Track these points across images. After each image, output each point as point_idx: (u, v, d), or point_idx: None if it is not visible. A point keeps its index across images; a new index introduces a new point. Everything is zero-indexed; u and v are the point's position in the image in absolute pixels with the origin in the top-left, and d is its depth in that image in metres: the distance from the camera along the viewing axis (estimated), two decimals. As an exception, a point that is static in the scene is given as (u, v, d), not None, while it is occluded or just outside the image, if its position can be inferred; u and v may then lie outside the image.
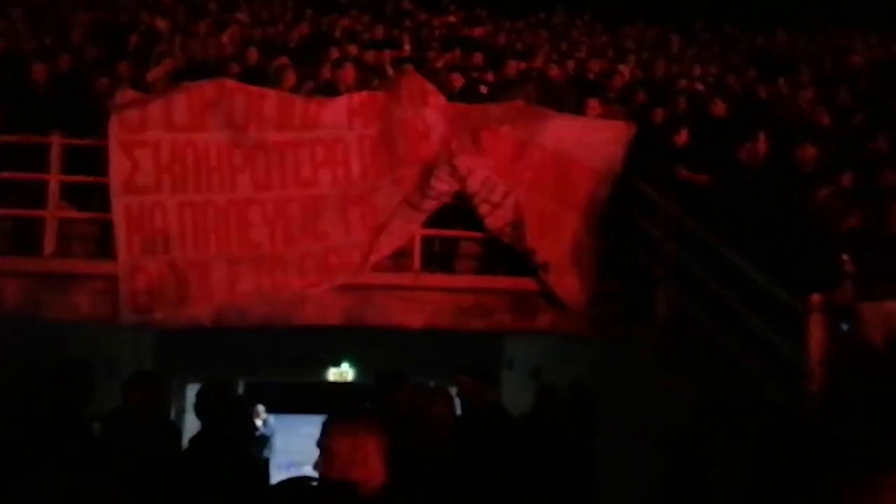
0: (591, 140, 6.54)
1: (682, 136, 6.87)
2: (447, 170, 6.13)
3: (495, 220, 6.26)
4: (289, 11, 12.87)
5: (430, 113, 6.39)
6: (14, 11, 10.12)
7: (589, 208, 6.50)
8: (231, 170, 6.02)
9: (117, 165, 5.86)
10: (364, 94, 6.55)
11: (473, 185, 6.17)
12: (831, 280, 4.93)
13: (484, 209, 6.23)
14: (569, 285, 6.30)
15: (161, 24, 9.56)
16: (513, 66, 9.06)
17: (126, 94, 6.19)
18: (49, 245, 6.07)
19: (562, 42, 13.17)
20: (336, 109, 6.29)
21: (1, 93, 6.73)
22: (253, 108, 6.06)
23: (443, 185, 6.17)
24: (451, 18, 14.15)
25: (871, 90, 9.26)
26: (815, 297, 4.64)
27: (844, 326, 4.99)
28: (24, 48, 8.14)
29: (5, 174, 6.10)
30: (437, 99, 6.53)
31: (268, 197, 6.07)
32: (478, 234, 6.47)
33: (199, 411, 3.91)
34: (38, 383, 3.94)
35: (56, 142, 6.17)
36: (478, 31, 13.13)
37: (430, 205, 6.24)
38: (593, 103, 7.31)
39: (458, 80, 7.96)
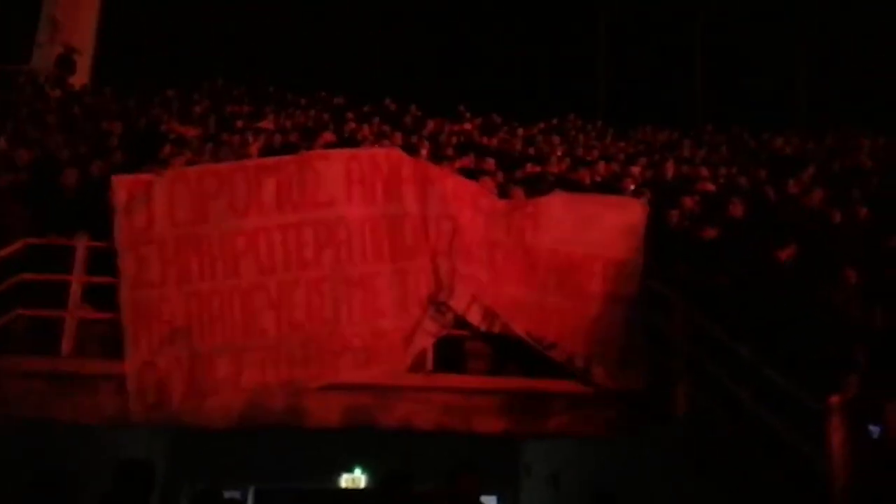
0: (604, 227, 6.56)
1: (710, 233, 6.92)
2: (448, 302, 6.20)
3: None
4: (311, 120, 13.47)
5: (446, 211, 6.42)
6: (50, 119, 10.73)
7: (614, 294, 6.44)
8: (234, 256, 6.07)
9: (125, 264, 6.01)
10: (363, 160, 6.46)
11: (475, 317, 6.25)
12: (843, 374, 4.83)
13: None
14: (601, 374, 6.20)
15: (191, 133, 10.05)
16: (528, 169, 9.33)
17: (122, 180, 6.24)
18: (67, 345, 6.12)
19: (576, 147, 13.55)
20: (334, 179, 6.28)
21: (32, 197, 7.04)
22: (252, 190, 6.16)
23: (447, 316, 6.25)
24: (467, 126, 14.70)
25: (881, 189, 9.36)
26: (835, 398, 4.52)
27: (874, 430, 4.83)
28: (58, 157, 8.55)
29: (31, 275, 6.22)
30: (464, 199, 6.53)
31: (272, 281, 6.07)
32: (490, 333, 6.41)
33: None
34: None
35: (82, 244, 6.34)
36: (492, 140, 13.60)
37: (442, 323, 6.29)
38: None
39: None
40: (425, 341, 6.23)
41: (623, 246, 6.56)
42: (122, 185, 6.22)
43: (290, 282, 6.08)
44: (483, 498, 4.82)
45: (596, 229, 6.57)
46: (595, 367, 6.23)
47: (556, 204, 6.80)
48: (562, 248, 6.53)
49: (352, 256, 6.22)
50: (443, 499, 4.72)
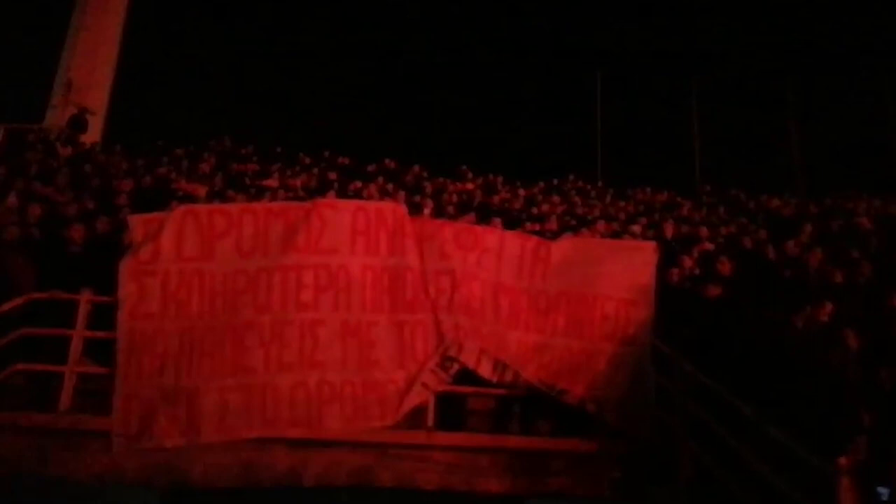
0: (615, 270, 6.63)
1: (714, 291, 6.94)
2: (459, 357, 6.23)
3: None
4: (315, 179, 13.68)
5: (445, 265, 6.47)
6: (60, 178, 10.90)
7: (625, 337, 6.49)
8: (234, 294, 6.08)
9: (126, 293, 6.03)
10: (370, 211, 6.55)
11: (486, 370, 6.26)
12: (847, 436, 4.78)
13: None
14: (613, 416, 6.22)
15: (199, 191, 10.20)
16: (527, 229, 9.42)
17: (138, 218, 6.37)
18: (65, 401, 6.09)
19: (576, 206, 13.72)
20: (339, 227, 6.35)
21: (39, 252, 7.11)
22: (259, 232, 6.23)
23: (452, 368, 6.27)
24: (469, 186, 14.91)
25: (880, 250, 9.43)
26: (844, 460, 4.48)
27: (883, 492, 4.77)
28: (66, 213, 8.65)
29: (31, 329, 6.24)
30: (467, 254, 6.57)
31: (266, 319, 6.04)
32: (492, 391, 6.40)
33: None
34: None
35: (85, 299, 6.38)
36: (494, 199, 13.78)
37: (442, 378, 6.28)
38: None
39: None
40: (422, 397, 6.17)
41: (635, 287, 6.63)
42: (138, 223, 6.34)
43: (285, 322, 6.05)
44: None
45: (608, 272, 6.65)
46: (607, 410, 6.20)
47: (569, 247, 6.89)
48: (573, 290, 6.57)
49: (350, 304, 6.21)
50: None
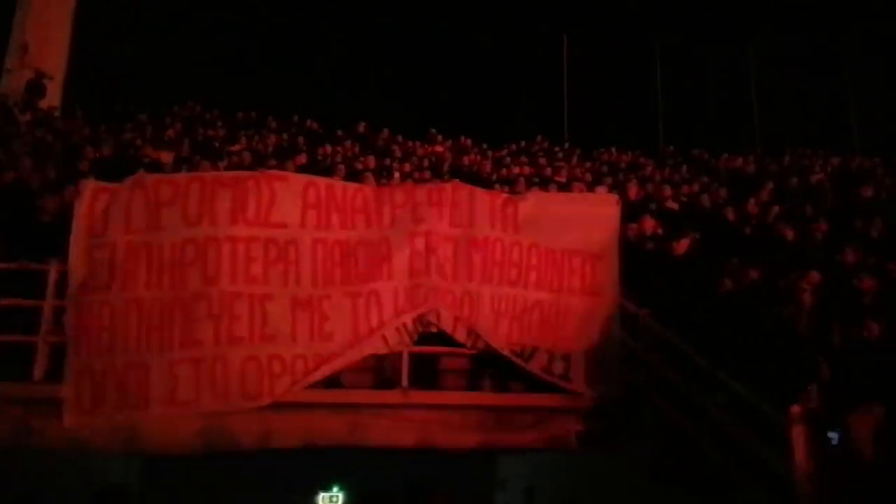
0: (579, 223, 6.79)
1: (682, 246, 7.13)
2: (439, 324, 6.33)
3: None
4: (284, 143, 13.56)
5: (419, 228, 6.49)
6: (15, 145, 10.63)
7: (592, 288, 6.70)
8: (182, 266, 6.01)
9: (76, 266, 5.96)
10: (321, 187, 6.49)
11: (461, 336, 6.38)
12: (801, 387, 5.05)
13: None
14: (579, 379, 6.39)
15: (165, 157, 10.05)
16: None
17: (90, 186, 6.23)
18: (40, 371, 6.08)
19: (544, 169, 13.85)
20: (290, 201, 6.29)
21: (4, 222, 7.01)
22: (206, 201, 6.13)
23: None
24: (439, 149, 14.92)
25: (835, 207, 9.77)
26: (796, 408, 4.75)
27: (833, 436, 5.05)
28: (28, 182, 8.50)
29: (3, 301, 6.18)
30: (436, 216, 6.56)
31: (214, 291, 5.98)
32: (465, 350, 6.53)
33: None
34: None
35: (53, 269, 6.33)
36: (464, 162, 13.83)
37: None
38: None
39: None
40: (376, 347, 6.21)
41: (599, 241, 6.80)
42: (90, 191, 6.19)
43: (234, 294, 5.99)
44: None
45: (573, 225, 6.79)
46: (574, 372, 6.40)
47: (535, 202, 6.98)
48: (542, 243, 6.70)
49: (300, 278, 6.17)
50: None
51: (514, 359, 6.37)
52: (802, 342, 5.55)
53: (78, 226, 6.05)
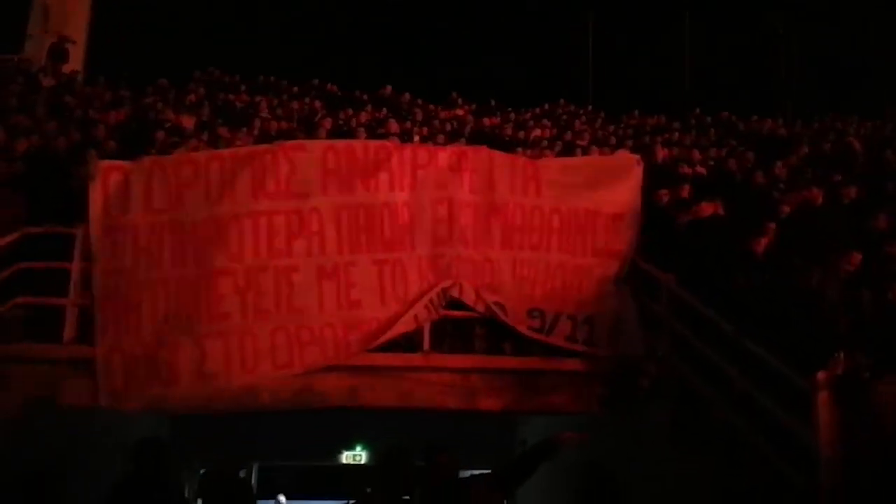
0: (601, 185, 6.74)
1: (706, 210, 7.03)
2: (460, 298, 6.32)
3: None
4: (305, 108, 13.50)
5: (441, 193, 6.46)
6: (40, 110, 10.72)
7: (613, 250, 6.67)
8: (206, 242, 6.04)
9: (98, 248, 6.02)
10: (340, 151, 6.42)
11: (482, 309, 6.37)
12: (828, 354, 4.95)
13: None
14: (603, 341, 6.39)
15: (187, 122, 10.05)
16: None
17: (103, 166, 6.26)
18: (69, 332, 6.20)
19: (566, 132, 13.65)
20: (309, 169, 6.24)
21: (30, 187, 7.08)
22: (227, 179, 6.14)
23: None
24: (460, 112, 14.76)
25: (867, 171, 9.51)
26: (822, 374, 4.66)
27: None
28: (54, 146, 8.57)
29: (31, 263, 6.28)
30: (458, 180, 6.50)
31: (240, 267, 6.01)
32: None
33: (201, 495, 4.00)
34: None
35: (81, 232, 6.41)
36: (486, 122, 13.68)
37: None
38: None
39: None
40: (408, 326, 6.21)
41: (622, 201, 6.72)
42: (105, 170, 6.21)
43: (259, 268, 6.02)
44: (481, 473, 4.95)
45: (595, 187, 6.72)
46: (597, 335, 6.39)
47: (556, 165, 6.96)
48: (564, 206, 6.64)
49: (325, 247, 6.16)
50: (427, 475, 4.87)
51: (533, 335, 6.36)
52: (831, 308, 5.43)
53: (94, 208, 6.09)
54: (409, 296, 6.23)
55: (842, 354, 4.88)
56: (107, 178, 6.15)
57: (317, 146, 6.57)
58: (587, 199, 6.68)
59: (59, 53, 15.09)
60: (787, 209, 7.51)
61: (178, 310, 5.92)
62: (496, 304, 6.35)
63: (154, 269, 5.97)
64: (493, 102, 15.85)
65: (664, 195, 7.67)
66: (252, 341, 5.90)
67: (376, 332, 6.13)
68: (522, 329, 6.35)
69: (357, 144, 6.67)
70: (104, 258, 6.02)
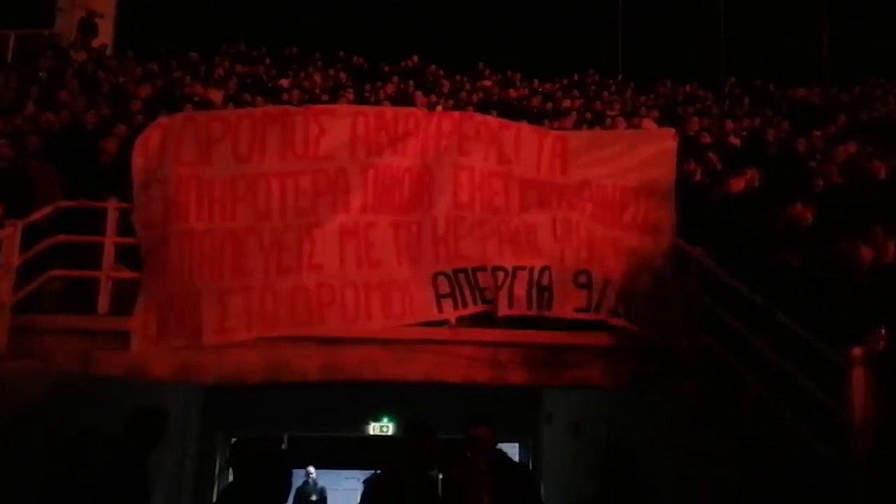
0: (633, 160, 6.59)
1: (739, 183, 6.81)
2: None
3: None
4: (330, 80, 13.46)
5: (470, 164, 6.39)
6: (72, 83, 10.83)
7: (647, 224, 6.52)
8: (233, 200, 6.07)
9: (137, 202, 6.12)
10: (370, 116, 6.40)
11: (521, 307, 6.25)
12: (866, 327, 4.84)
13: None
14: (641, 316, 6.30)
15: (215, 95, 10.09)
16: (546, 126, 9.28)
17: (139, 140, 6.28)
18: (103, 305, 6.33)
19: (595, 102, 13.44)
20: (339, 133, 6.23)
21: (62, 160, 7.20)
22: (257, 138, 6.15)
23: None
24: (487, 83, 14.60)
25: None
26: (857, 350, 4.56)
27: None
28: (84, 120, 8.68)
29: (66, 237, 6.41)
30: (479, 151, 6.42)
31: (266, 226, 6.04)
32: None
33: (232, 464, 4.05)
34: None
35: (112, 206, 6.50)
36: (513, 94, 13.51)
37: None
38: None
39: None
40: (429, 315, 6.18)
41: (656, 176, 6.56)
42: (143, 132, 6.32)
43: (284, 228, 6.04)
44: (505, 446, 5.04)
45: (625, 162, 6.58)
46: (638, 311, 6.28)
47: (585, 139, 6.80)
48: (594, 182, 6.52)
49: (349, 205, 6.14)
50: (462, 447, 4.98)
51: (579, 317, 6.26)
52: (869, 282, 5.28)
53: (135, 167, 6.14)
54: (423, 259, 6.21)
55: (883, 330, 4.76)
56: (148, 137, 6.21)
57: (347, 111, 6.60)
58: (619, 176, 6.54)
59: (88, 27, 15.22)
60: (838, 179, 7.28)
61: (203, 263, 5.94)
62: (541, 270, 6.25)
63: (182, 221, 5.99)
64: (518, 76, 15.60)
65: (695, 170, 7.52)
66: (272, 297, 5.93)
67: (395, 298, 6.12)
68: (567, 314, 6.26)
69: (387, 111, 6.64)
70: (141, 211, 6.09)
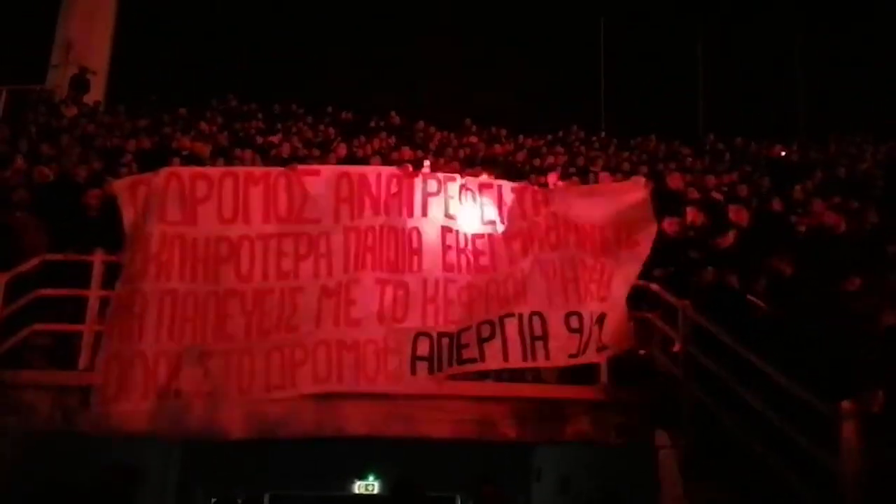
0: (611, 208, 6.65)
1: (728, 240, 6.93)
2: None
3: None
4: (319, 135, 13.65)
5: (457, 226, 6.44)
6: (64, 138, 10.92)
7: (629, 261, 6.50)
8: (216, 261, 6.07)
9: (122, 259, 6.09)
10: (353, 178, 6.44)
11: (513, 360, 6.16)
12: (863, 382, 4.85)
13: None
14: (620, 332, 6.33)
15: (203, 150, 10.18)
16: (532, 181, 9.43)
17: (119, 184, 6.37)
18: (85, 359, 6.22)
19: (579, 158, 13.68)
20: (322, 197, 6.27)
21: (50, 214, 7.19)
22: (239, 199, 6.18)
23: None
24: (473, 139, 14.85)
25: (886, 195, 9.44)
26: (846, 404, 4.55)
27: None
28: (75, 174, 8.70)
29: (49, 291, 6.35)
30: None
31: (249, 289, 6.05)
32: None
33: None
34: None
35: (98, 259, 6.47)
36: (498, 150, 13.74)
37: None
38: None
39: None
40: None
41: (633, 223, 6.59)
42: (121, 189, 6.27)
43: (265, 290, 6.05)
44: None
45: (605, 210, 6.63)
46: (610, 322, 6.29)
47: (565, 192, 7.05)
48: (574, 219, 6.55)
49: (331, 268, 6.16)
50: None
51: (571, 362, 6.20)
52: (861, 339, 5.30)
53: (127, 223, 6.12)
54: (407, 319, 6.15)
55: (881, 392, 4.76)
56: (134, 191, 6.20)
57: (331, 172, 6.60)
58: (598, 219, 6.61)
59: (80, 84, 15.41)
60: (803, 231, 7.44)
61: (184, 324, 5.89)
62: (530, 316, 6.16)
63: (163, 279, 5.95)
64: (503, 132, 15.91)
65: (670, 223, 7.60)
66: (249, 360, 5.89)
67: (370, 360, 6.03)
68: (562, 361, 6.20)
69: (370, 172, 6.69)
70: (126, 268, 6.04)
